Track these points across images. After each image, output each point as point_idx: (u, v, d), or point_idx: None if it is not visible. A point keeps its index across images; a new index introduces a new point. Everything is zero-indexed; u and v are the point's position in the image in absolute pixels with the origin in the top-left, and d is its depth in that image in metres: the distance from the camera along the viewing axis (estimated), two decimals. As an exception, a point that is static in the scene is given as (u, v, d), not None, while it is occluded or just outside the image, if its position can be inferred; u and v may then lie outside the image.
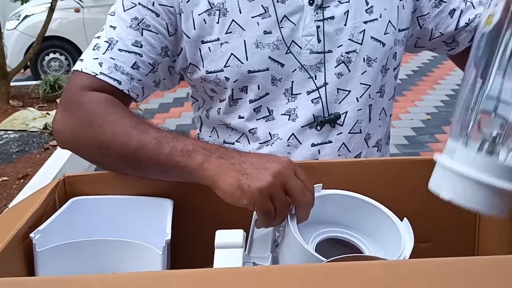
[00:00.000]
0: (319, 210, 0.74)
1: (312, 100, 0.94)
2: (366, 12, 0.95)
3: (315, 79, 0.94)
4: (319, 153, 0.96)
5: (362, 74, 0.96)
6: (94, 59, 0.91)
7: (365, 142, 1.00)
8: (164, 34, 0.92)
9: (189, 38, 0.92)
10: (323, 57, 0.93)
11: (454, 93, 5.39)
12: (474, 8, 1.03)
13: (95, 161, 0.88)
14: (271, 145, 0.96)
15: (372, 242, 0.75)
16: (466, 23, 1.03)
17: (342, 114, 0.96)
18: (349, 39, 0.94)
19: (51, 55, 6.64)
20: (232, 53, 0.92)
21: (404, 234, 0.71)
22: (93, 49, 0.92)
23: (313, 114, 0.95)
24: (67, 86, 0.93)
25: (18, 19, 6.62)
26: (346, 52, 0.94)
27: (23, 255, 0.69)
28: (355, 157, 0.98)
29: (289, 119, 0.95)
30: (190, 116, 4.73)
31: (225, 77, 0.93)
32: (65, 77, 5.28)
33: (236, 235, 0.67)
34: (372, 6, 0.95)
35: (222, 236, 0.67)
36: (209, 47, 0.92)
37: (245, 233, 0.69)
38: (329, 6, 0.93)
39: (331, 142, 0.96)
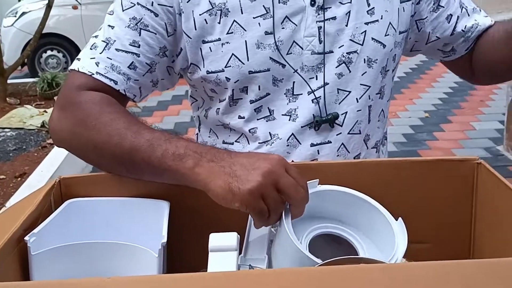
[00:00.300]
0: (315, 205, 0.74)
1: (312, 100, 0.94)
2: (368, 13, 0.95)
3: (316, 79, 0.94)
4: (318, 153, 0.96)
5: (362, 75, 0.96)
6: (91, 58, 0.91)
7: (364, 143, 1.00)
8: (163, 34, 0.92)
9: (190, 38, 0.92)
10: (324, 58, 0.93)
11: (452, 91, 5.39)
12: (469, 15, 1.05)
13: (91, 161, 0.87)
14: (271, 145, 0.96)
15: (366, 239, 0.75)
16: (462, 30, 1.04)
17: (342, 114, 0.96)
18: (350, 40, 0.94)
19: (49, 52, 6.62)
20: (233, 54, 0.91)
21: (398, 233, 0.71)
22: (91, 49, 0.92)
23: (313, 114, 0.94)
24: (64, 85, 0.93)
25: (15, 16, 6.60)
26: (347, 53, 0.94)
27: (18, 258, 0.68)
28: (354, 158, 0.98)
29: (289, 119, 0.95)
30: (189, 114, 4.72)
31: (225, 77, 0.93)
32: (62, 74, 5.26)
33: (230, 238, 0.67)
34: (373, 7, 0.95)
35: (216, 240, 0.67)
36: (210, 47, 0.92)
37: (239, 236, 0.69)
38: (330, 7, 0.93)
39: (330, 142, 0.96)
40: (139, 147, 0.79)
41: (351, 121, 0.96)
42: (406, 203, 0.81)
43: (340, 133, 0.96)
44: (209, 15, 0.91)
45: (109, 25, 0.92)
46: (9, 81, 5.17)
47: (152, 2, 0.90)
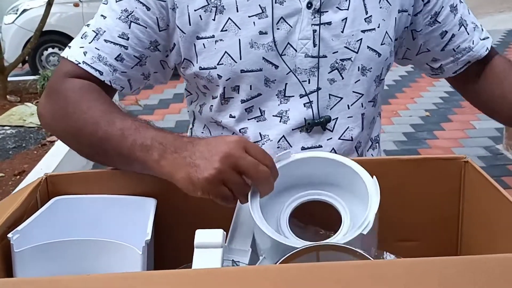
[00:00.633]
0: (291, 175, 0.75)
1: (304, 104, 0.94)
2: (365, 21, 0.94)
3: (309, 83, 0.93)
4: None
5: (355, 82, 0.95)
6: (80, 47, 0.92)
7: (355, 149, 1.00)
8: (154, 28, 0.92)
9: (184, 33, 0.92)
10: (318, 62, 0.93)
11: (453, 90, 5.34)
12: (468, 34, 1.02)
13: (72, 148, 0.90)
14: (261, 146, 0.95)
15: (348, 200, 0.76)
16: (453, 49, 1.02)
17: (333, 120, 0.95)
18: (345, 47, 0.93)
19: (50, 50, 6.62)
20: (226, 51, 0.91)
21: (372, 194, 0.71)
22: (81, 37, 0.93)
23: (305, 118, 0.94)
24: (53, 71, 0.96)
25: (16, 13, 6.60)
26: (340, 59, 0.93)
27: (1, 255, 0.68)
28: None
29: (280, 121, 0.95)
30: (188, 112, 4.72)
31: (217, 74, 0.93)
32: (63, 72, 5.25)
33: (215, 235, 0.66)
34: (371, 15, 0.94)
35: (201, 236, 0.67)
36: (203, 44, 0.92)
37: (225, 233, 0.69)
38: (327, 11, 0.92)
39: (321, 146, 0.96)
40: (111, 137, 0.81)
41: (341, 127, 0.96)
42: (393, 201, 0.81)
43: (331, 138, 0.96)
44: (204, 11, 0.91)
45: (101, 15, 0.93)
46: (9, 79, 5.17)
47: None
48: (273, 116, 0.95)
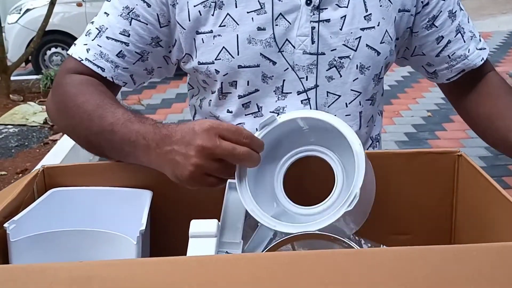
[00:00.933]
0: (279, 138, 0.77)
1: (302, 101, 0.94)
2: (364, 19, 0.94)
3: (306, 80, 0.94)
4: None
5: (353, 80, 0.95)
6: (84, 44, 0.94)
7: None
8: (155, 25, 0.93)
9: (184, 29, 0.93)
10: (316, 59, 0.93)
11: (455, 90, 5.37)
12: (464, 42, 1.02)
13: (76, 141, 0.93)
14: None
15: (338, 156, 0.77)
16: (448, 55, 1.02)
17: None
18: (343, 44, 0.93)
19: (53, 50, 6.65)
20: (224, 47, 0.92)
21: (359, 159, 0.71)
22: (85, 35, 0.95)
23: None
24: (59, 69, 0.99)
25: (19, 13, 6.63)
26: (339, 57, 0.93)
27: (-3, 245, 0.69)
28: None
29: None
30: (190, 112, 4.72)
31: (215, 69, 0.93)
32: (66, 71, 5.26)
33: (210, 225, 0.67)
34: (370, 13, 0.94)
35: (196, 226, 0.68)
36: (202, 39, 0.93)
37: (219, 223, 0.69)
38: (326, 8, 0.92)
39: None
40: (103, 132, 0.83)
41: None
42: (387, 194, 0.82)
43: None
44: (203, 6, 0.92)
45: (105, 12, 0.95)
46: (12, 78, 5.19)
47: None
48: (270, 112, 0.95)
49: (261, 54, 0.92)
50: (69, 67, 0.94)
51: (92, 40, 0.93)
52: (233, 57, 0.92)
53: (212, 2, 0.92)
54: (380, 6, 0.95)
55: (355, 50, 0.94)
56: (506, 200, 0.68)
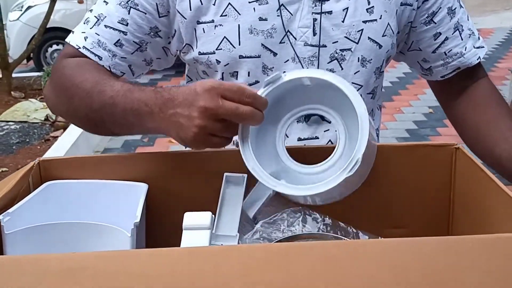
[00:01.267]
0: (284, 96, 0.76)
1: None
2: (367, 12, 0.93)
3: None
4: (304, 146, 0.95)
5: (355, 73, 0.95)
6: (82, 32, 0.94)
7: None
8: (153, 14, 0.93)
9: (185, 18, 0.92)
10: (317, 51, 0.92)
11: (456, 86, 5.35)
12: (462, 39, 1.01)
13: (78, 124, 0.93)
14: None
15: (341, 117, 0.77)
16: (445, 52, 1.01)
17: None
18: (345, 37, 0.93)
19: (54, 47, 6.63)
20: (225, 37, 0.91)
21: (362, 122, 0.70)
22: (84, 23, 0.95)
23: None
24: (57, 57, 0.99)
25: (21, 10, 6.62)
26: (340, 50, 0.93)
27: (-9, 237, 0.69)
28: None
29: None
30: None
31: (216, 59, 0.93)
32: (67, 68, 5.27)
33: (203, 217, 0.67)
34: (373, 6, 0.94)
35: (190, 218, 0.67)
36: (203, 28, 0.92)
37: (213, 215, 0.69)
38: (328, 0, 0.92)
39: (318, 138, 0.95)
40: (104, 106, 0.83)
41: None
42: (384, 188, 0.82)
43: (328, 129, 0.96)
44: None
45: (104, 1, 0.95)
46: (14, 75, 5.20)
47: None
48: None
49: (262, 44, 0.91)
50: (66, 53, 0.94)
51: (91, 28, 0.93)
52: (234, 47, 0.91)
53: None
54: None
55: (357, 43, 0.93)
56: (504, 192, 0.67)
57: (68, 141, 3.67)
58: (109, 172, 0.82)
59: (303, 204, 0.76)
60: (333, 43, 0.93)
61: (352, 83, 0.95)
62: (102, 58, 0.92)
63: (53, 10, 5.19)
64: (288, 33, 0.91)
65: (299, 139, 0.95)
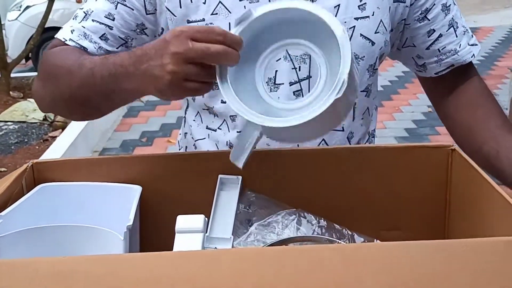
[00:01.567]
0: (259, 33, 0.73)
1: (294, 92, 0.93)
2: (359, 8, 0.93)
3: (299, 70, 0.92)
4: (298, 147, 0.95)
5: None
6: (70, 27, 0.95)
7: (347, 140, 0.99)
8: (141, 11, 0.93)
9: (175, 16, 0.92)
10: None
11: (456, 85, 5.35)
12: (457, 36, 1.01)
13: (64, 112, 0.94)
14: None
15: (320, 48, 0.74)
16: (438, 49, 1.01)
17: None
18: None
19: (53, 47, 6.63)
20: None
21: (343, 44, 0.67)
22: (72, 19, 0.96)
23: None
24: None
25: (19, 10, 6.61)
26: None
27: (-17, 240, 0.68)
28: None
29: None
30: (190, 108, 4.71)
31: None
32: (66, 68, 5.26)
33: (196, 220, 0.67)
34: (365, 3, 0.93)
35: (183, 221, 0.67)
36: None
37: (206, 218, 0.69)
38: None
39: None
40: (85, 79, 0.82)
41: None
42: (379, 190, 0.81)
43: None
44: None
45: None
46: (12, 75, 5.19)
47: None
48: None
49: None
50: (53, 45, 0.95)
51: (79, 22, 0.94)
52: None
53: None
54: None
55: (349, 40, 0.93)
56: (499, 195, 0.67)
57: (67, 141, 3.66)
58: (102, 174, 0.82)
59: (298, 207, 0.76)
60: None
61: None
62: (87, 49, 0.93)
63: (51, 10, 5.17)
64: None
65: None
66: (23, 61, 5.78)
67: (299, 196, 0.80)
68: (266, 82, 0.93)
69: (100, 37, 0.92)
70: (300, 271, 0.49)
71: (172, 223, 0.69)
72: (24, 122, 4.27)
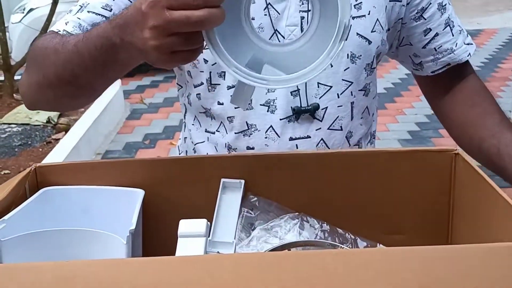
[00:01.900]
0: None
1: (291, 93, 0.93)
2: (354, 8, 0.93)
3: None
4: (297, 147, 0.95)
5: (345, 70, 0.94)
6: (64, 19, 0.93)
7: (346, 140, 0.99)
8: None
9: None
10: None
11: (459, 87, 5.34)
12: (453, 35, 1.01)
13: (50, 96, 0.87)
14: (249, 136, 0.95)
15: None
16: (435, 48, 1.01)
17: (322, 109, 0.95)
18: None
19: (57, 49, 6.65)
20: None
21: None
22: (67, 13, 0.95)
23: (291, 107, 0.94)
24: None
25: (23, 12, 6.63)
26: None
27: (-13, 244, 0.68)
28: None
29: (268, 111, 0.94)
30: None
31: (204, 58, 0.93)
32: (69, 70, 5.28)
33: (199, 224, 0.66)
34: (361, 2, 0.93)
35: (185, 226, 0.67)
36: None
37: (209, 223, 0.68)
38: None
39: (310, 137, 0.95)
40: (71, 56, 0.78)
41: (331, 116, 0.96)
42: (382, 193, 0.81)
43: (320, 128, 0.95)
44: None
45: None
46: (16, 77, 5.20)
47: None
48: (261, 105, 0.94)
49: None
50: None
51: (73, 15, 0.93)
52: None
53: None
54: None
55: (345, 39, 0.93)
56: (503, 198, 0.67)
57: (70, 144, 3.67)
58: (105, 178, 0.82)
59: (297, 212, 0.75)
60: None
61: (342, 79, 0.95)
62: None
63: (55, 13, 5.18)
64: (276, 32, 0.91)
65: (291, 139, 0.95)
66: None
67: (302, 200, 0.80)
68: (266, 97, 0.93)
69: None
70: (303, 276, 0.49)
71: (174, 227, 0.69)
72: (27, 124, 4.27)
